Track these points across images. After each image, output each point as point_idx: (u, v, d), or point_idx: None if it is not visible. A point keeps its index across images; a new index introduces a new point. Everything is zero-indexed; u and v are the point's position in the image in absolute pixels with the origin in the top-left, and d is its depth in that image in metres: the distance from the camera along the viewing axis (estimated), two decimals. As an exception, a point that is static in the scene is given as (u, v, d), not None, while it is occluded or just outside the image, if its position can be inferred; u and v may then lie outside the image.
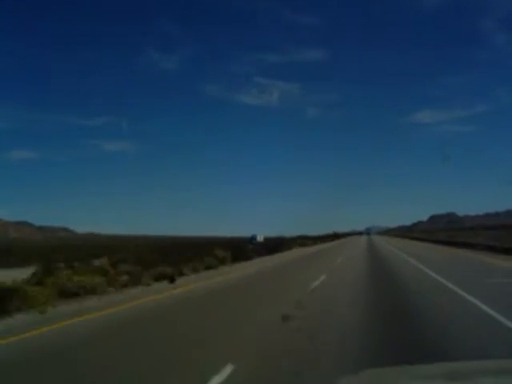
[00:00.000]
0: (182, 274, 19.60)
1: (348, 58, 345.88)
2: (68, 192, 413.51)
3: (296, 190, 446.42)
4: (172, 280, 17.31)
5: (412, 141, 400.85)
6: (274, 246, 48.01)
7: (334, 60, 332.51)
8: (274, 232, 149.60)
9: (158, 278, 17.63)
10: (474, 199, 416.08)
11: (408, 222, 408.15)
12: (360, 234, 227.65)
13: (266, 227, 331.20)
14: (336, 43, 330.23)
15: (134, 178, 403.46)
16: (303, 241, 69.09)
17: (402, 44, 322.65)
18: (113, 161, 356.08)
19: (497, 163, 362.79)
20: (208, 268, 23.45)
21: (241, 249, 35.23)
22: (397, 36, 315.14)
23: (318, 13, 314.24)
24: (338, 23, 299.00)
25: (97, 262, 21.88)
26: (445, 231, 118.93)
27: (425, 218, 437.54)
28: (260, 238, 70.68)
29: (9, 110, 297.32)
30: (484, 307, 10.12)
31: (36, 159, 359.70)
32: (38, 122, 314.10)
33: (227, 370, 5.87)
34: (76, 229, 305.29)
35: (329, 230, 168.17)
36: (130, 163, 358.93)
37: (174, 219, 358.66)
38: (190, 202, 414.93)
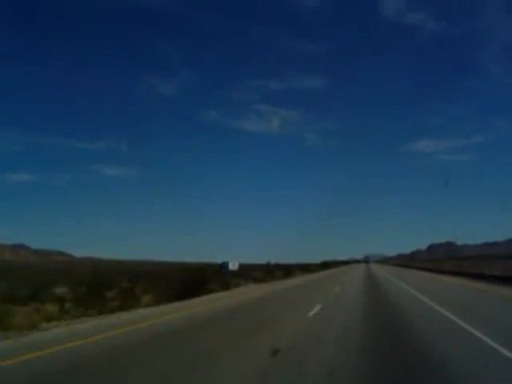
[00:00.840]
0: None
1: (348, 86, 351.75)
2: (66, 216, 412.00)
3: (294, 218, 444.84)
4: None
5: (411, 169, 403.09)
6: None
7: (334, 88, 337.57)
8: (271, 259, 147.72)
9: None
10: (472, 228, 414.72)
11: (407, 251, 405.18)
12: (358, 262, 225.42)
13: (261, 254, 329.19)
14: (336, 71, 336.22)
15: (133, 203, 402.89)
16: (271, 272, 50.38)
17: (401, 73, 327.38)
18: (112, 185, 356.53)
19: (495, 192, 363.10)
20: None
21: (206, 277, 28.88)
22: (396, 65, 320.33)
23: (318, 41, 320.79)
24: (339, 52, 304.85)
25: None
26: (448, 260, 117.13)
27: (424, 246, 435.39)
28: (234, 266, 61.10)
29: (8, 133, 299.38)
30: None
31: (35, 182, 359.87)
32: (38, 146, 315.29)
33: None
34: (73, 253, 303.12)
35: (326, 258, 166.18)
36: (129, 188, 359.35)
37: (173, 244, 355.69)
38: (186, 227, 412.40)
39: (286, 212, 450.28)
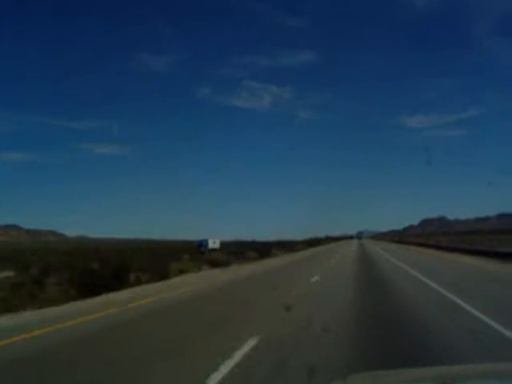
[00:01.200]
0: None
1: (339, 61, 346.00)
2: (59, 195, 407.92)
3: (285, 194, 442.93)
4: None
5: (403, 144, 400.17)
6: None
7: (325, 63, 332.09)
8: (260, 236, 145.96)
9: None
10: (464, 203, 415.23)
11: (399, 227, 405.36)
12: (351, 237, 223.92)
13: (252, 231, 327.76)
14: (327, 46, 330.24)
15: (125, 181, 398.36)
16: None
17: (393, 47, 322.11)
18: (103, 164, 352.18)
19: (487, 167, 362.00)
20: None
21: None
22: (388, 39, 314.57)
23: (308, 16, 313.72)
24: (329, 26, 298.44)
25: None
26: (442, 235, 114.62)
27: (416, 222, 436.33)
28: (214, 244, 55.06)
29: (2, 112, 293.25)
30: None
31: (27, 162, 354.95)
32: (29, 125, 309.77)
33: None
34: (66, 232, 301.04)
35: (319, 234, 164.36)
36: (121, 166, 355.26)
37: (164, 221, 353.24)
38: (179, 204, 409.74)
39: (277, 189, 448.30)
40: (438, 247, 54.26)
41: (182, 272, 21.77)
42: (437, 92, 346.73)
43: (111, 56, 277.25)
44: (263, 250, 47.66)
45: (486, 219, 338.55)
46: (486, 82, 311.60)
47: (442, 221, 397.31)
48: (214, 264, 26.87)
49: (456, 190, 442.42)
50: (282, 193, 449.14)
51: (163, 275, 18.82)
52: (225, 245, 59.22)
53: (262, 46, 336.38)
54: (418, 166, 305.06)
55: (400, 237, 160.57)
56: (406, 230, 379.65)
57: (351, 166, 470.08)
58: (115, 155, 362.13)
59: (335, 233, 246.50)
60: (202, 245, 53.52)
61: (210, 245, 53.90)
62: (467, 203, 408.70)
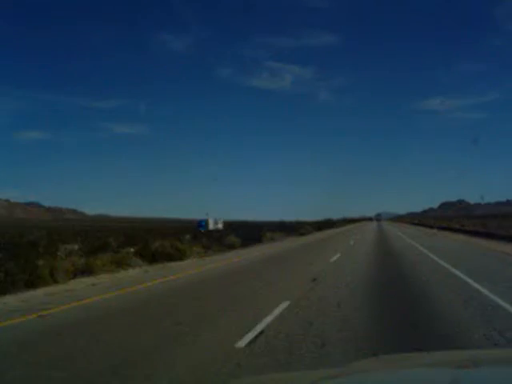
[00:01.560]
0: None
1: (361, 43, 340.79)
2: (79, 174, 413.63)
3: (306, 176, 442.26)
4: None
5: (424, 127, 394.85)
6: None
7: (346, 44, 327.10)
8: (286, 216, 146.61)
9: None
10: (485, 187, 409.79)
11: (418, 209, 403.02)
12: (370, 219, 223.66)
13: (275, 212, 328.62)
14: (349, 28, 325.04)
15: (147, 161, 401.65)
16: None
17: (415, 29, 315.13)
18: (123, 143, 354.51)
19: (508, 152, 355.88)
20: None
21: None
22: (410, 21, 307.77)
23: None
24: (351, 7, 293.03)
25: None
26: (466, 219, 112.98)
27: (435, 205, 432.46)
28: (217, 224, 47.33)
29: (23, 91, 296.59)
30: None
31: (48, 140, 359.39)
32: (51, 104, 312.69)
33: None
34: (86, 211, 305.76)
35: (337, 216, 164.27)
36: (140, 146, 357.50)
37: (183, 202, 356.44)
38: (199, 186, 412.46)
39: (299, 171, 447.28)
40: (461, 231, 47.73)
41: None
42: (457, 75, 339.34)
43: (133, 35, 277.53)
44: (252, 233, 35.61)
45: (507, 203, 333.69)
46: (506, 66, 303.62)
47: (462, 204, 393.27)
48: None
49: (476, 174, 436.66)
50: (301, 175, 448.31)
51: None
52: (236, 225, 52.71)
53: (284, 27, 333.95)
54: (439, 150, 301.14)
55: (420, 219, 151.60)
56: (425, 212, 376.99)
57: (371, 149, 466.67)
58: (136, 134, 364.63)
59: (354, 215, 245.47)
60: (201, 225, 46.48)
61: (211, 225, 46.99)
62: (487, 187, 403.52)
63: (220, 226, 49.23)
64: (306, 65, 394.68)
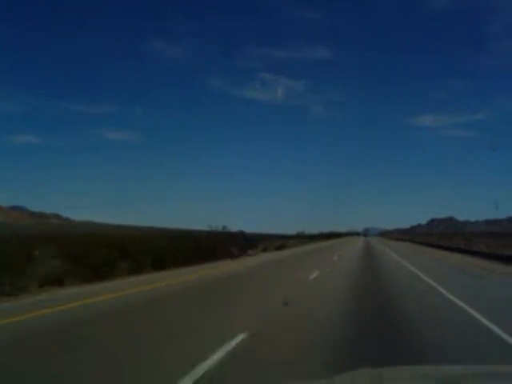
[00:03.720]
0: None
1: (354, 57, 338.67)
2: (66, 179, 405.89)
3: (294, 188, 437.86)
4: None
5: (414, 143, 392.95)
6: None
7: (339, 58, 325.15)
8: (272, 230, 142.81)
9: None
10: (474, 205, 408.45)
11: (406, 225, 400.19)
12: (357, 234, 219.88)
13: (259, 224, 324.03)
14: (342, 41, 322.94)
15: (136, 168, 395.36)
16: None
17: (408, 45, 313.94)
18: (114, 150, 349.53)
19: (498, 170, 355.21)
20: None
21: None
22: (403, 37, 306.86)
23: (324, 10, 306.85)
24: (345, 22, 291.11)
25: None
26: (455, 236, 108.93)
27: (424, 221, 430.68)
28: None
29: (13, 94, 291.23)
30: None
31: (37, 144, 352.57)
32: (38, 108, 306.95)
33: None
34: (72, 216, 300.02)
35: (323, 230, 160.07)
36: (131, 153, 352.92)
37: (170, 211, 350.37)
38: (187, 195, 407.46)
39: (287, 183, 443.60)
40: (462, 250, 40.56)
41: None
42: (448, 93, 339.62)
43: (125, 43, 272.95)
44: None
45: (495, 222, 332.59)
46: (498, 85, 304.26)
47: (451, 221, 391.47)
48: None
49: (466, 191, 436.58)
50: (289, 187, 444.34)
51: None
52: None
53: (277, 38, 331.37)
54: (429, 166, 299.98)
55: (412, 236, 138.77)
56: (413, 228, 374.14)
57: (360, 164, 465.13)
58: (125, 141, 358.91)
59: (342, 229, 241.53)
60: None
61: None
62: (477, 205, 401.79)
63: None
64: (298, 77, 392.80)
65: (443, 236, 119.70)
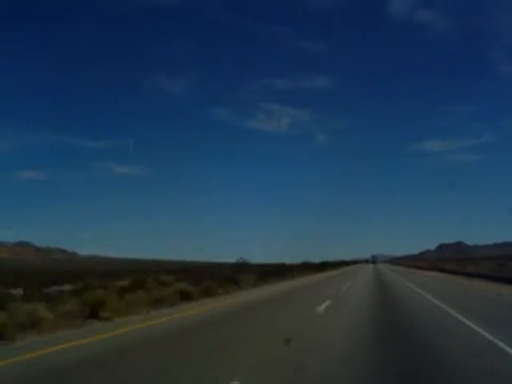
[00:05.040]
0: None
1: (358, 86, 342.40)
2: (71, 214, 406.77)
3: (301, 216, 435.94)
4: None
5: (420, 169, 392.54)
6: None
7: (343, 87, 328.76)
8: (276, 258, 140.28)
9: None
10: (482, 229, 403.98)
11: (415, 251, 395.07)
12: (366, 261, 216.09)
13: (267, 253, 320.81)
14: (345, 70, 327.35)
15: (140, 202, 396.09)
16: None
17: (410, 72, 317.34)
18: (119, 184, 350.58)
19: (505, 193, 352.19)
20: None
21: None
22: (406, 64, 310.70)
23: (326, 40, 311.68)
24: (347, 51, 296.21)
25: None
26: (468, 261, 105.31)
27: (433, 247, 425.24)
28: None
29: (17, 130, 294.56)
30: None
31: (42, 180, 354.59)
32: (47, 143, 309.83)
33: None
34: (78, 251, 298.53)
35: (333, 258, 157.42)
36: (135, 187, 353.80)
37: (180, 244, 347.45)
38: (194, 228, 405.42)
39: (294, 212, 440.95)
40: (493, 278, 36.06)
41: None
42: (453, 117, 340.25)
43: (128, 78, 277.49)
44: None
45: (504, 245, 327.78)
46: (501, 108, 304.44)
47: (460, 246, 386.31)
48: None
49: (474, 215, 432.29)
50: (297, 216, 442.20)
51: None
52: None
53: (281, 69, 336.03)
54: (436, 191, 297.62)
55: (429, 264, 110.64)
56: (422, 254, 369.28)
57: (367, 191, 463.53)
58: (131, 175, 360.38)
59: (349, 257, 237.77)
60: None
61: None
62: (486, 229, 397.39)
63: None
64: (302, 107, 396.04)
65: (453, 261, 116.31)
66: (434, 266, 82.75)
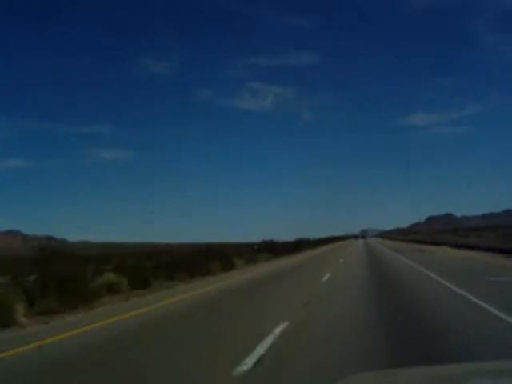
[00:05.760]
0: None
1: (342, 62, 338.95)
2: (60, 201, 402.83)
3: (290, 194, 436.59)
4: None
5: (406, 143, 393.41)
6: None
7: (327, 63, 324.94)
8: (266, 237, 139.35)
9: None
10: (470, 200, 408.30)
11: (405, 225, 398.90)
12: (355, 237, 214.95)
13: (257, 232, 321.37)
14: (329, 47, 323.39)
15: (130, 186, 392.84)
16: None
17: (394, 47, 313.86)
18: (107, 169, 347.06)
19: (491, 164, 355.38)
20: None
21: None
22: (389, 39, 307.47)
23: (311, 16, 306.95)
24: (331, 27, 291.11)
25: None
26: (454, 232, 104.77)
27: (422, 219, 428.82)
28: None
29: (2, 118, 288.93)
30: None
31: (29, 168, 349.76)
32: (30, 131, 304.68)
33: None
34: (68, 237, 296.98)
35: (324, 234, 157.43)
36: (124, 171, 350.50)
37: (169, 226, 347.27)
38: (184, 209, 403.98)
39: (282, 190, 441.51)
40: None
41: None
42: (438, 91, 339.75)
43: (113, 60, 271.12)
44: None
45: (492, 215, 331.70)
46: (485, 80, 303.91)
47: (449, 217, 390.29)
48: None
49: (461, 187, 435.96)
50: (284, 193, 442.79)
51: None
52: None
53: (264, 47, 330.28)
54: (423, 164, 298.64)
55: (424, 236, 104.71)
56: (412, 227, 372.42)
57: (354, 167, 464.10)
58: (118, 160, 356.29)
59: (339, 232, 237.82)
60: None
61: None
62: (473, 200, 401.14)
63: None
64: (287, 84, 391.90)
65: (438, 233, 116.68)
66: (432, 239, 76.63)
